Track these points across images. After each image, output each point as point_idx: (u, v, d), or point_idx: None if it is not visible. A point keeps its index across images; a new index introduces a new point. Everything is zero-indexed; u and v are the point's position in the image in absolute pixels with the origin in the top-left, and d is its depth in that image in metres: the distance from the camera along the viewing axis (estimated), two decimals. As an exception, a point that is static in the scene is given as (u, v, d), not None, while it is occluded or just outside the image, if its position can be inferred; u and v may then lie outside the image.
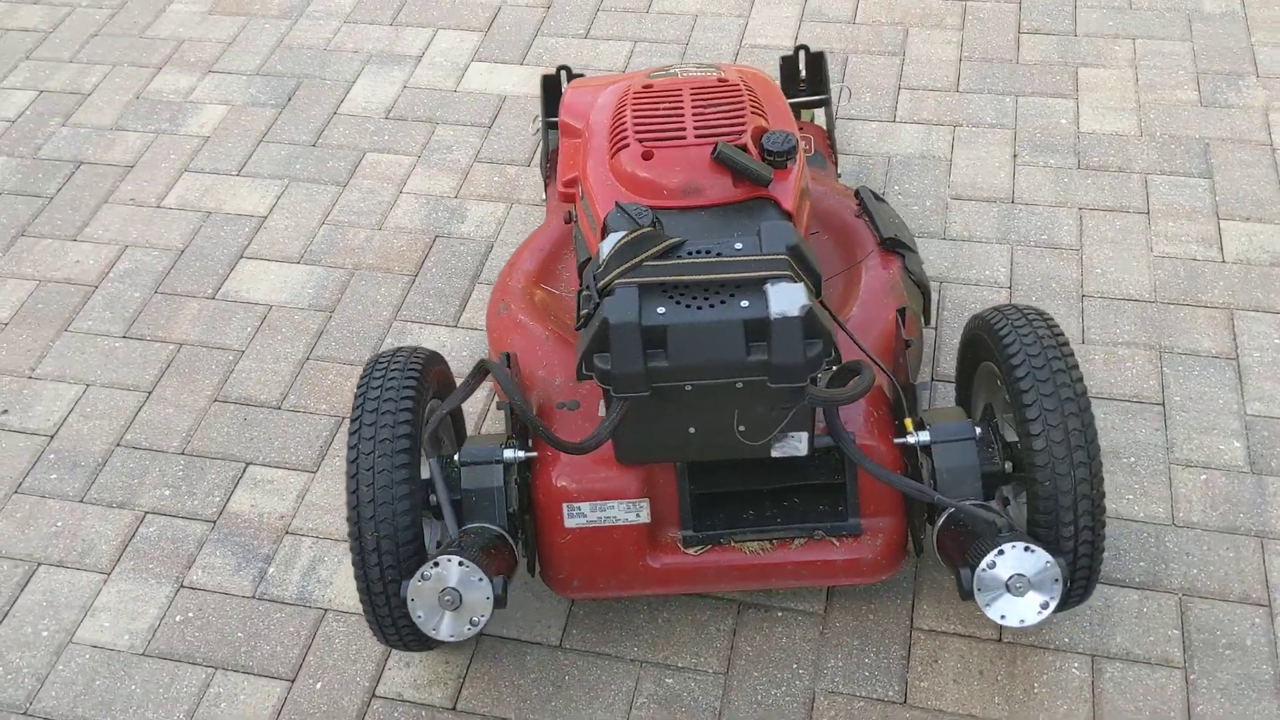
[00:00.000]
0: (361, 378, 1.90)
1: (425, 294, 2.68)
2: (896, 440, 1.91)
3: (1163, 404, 2.33)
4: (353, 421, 1.83)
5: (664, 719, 1.95)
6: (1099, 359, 2.42)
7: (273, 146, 3.11)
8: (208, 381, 2.55)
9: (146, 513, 2.32)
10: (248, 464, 2.38)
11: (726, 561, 1.95)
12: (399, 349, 1.97)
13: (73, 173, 3.08)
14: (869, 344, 2.03)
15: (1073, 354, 1.82)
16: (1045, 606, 1.64)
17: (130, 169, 3.08)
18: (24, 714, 2.03)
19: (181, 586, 2.19)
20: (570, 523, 1.92)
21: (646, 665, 2.03)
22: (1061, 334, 1.85)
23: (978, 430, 1.87)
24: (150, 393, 2.53)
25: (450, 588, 1.64)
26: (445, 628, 1.68)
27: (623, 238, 1.78)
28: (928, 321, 2.28)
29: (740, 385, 1.72)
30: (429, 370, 1.94)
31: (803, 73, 2.74)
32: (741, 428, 1.79)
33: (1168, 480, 2.21)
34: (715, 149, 1.92)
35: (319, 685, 2.03)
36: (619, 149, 1.98)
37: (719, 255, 1.76)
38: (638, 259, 1.74)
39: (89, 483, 2.37)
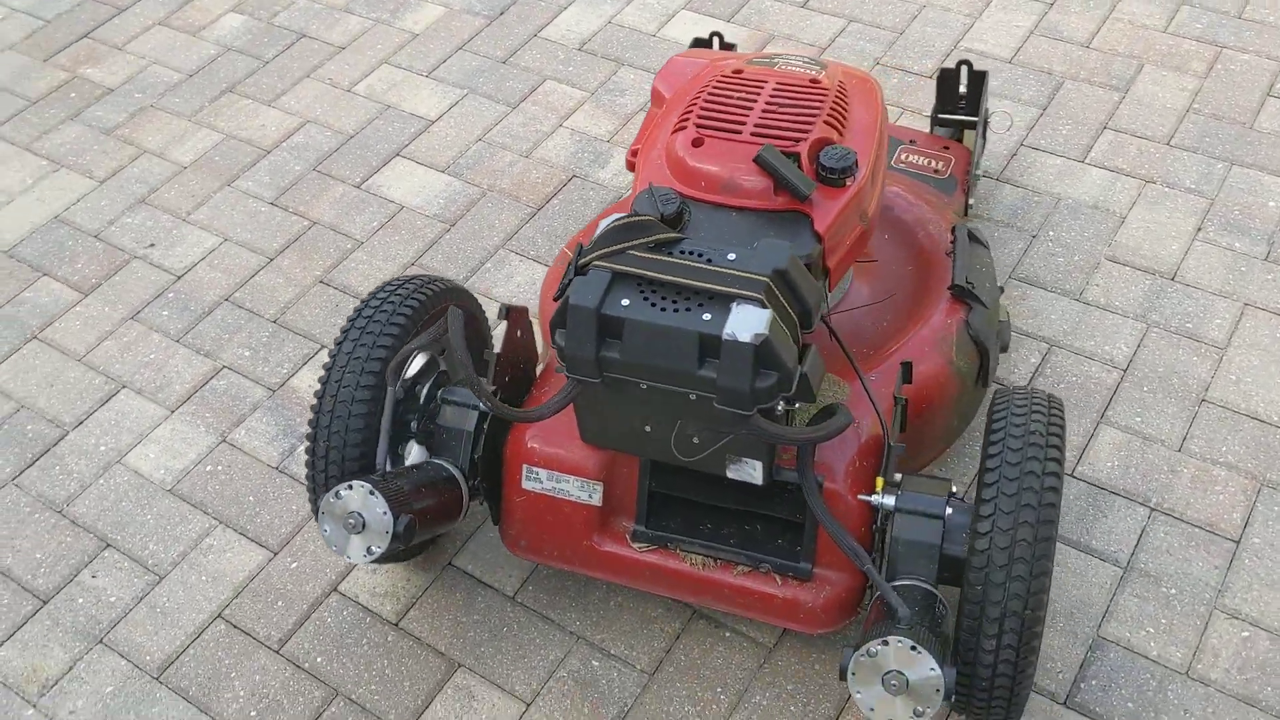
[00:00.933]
0: (369, 294, 1.97)
1: (539, 230, 2.73)
2: (861, 497, 1.80)
3: (1237, 541, 2.07)
4: (341, 333, 1.91)
5: (574, 697, 1.96)
6: (1187, 473, 2.16)
7: (467, 56, 3.22)
8: (321, 263, 2.71)
9: (224, 367, 2.52)
10: (322, 346, 2.54)
11: (667, 566, 1.91)
12: (417, 276, 2.02)
13: (292, 43, 3.32)
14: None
15: (1058, 461, 1.64)
16: (918, 715, 1.52)
17: (341, 50, 3.28)
18: (59, 513, 2.29)
19: (223, 440, 2.38)
20: (526, 485, 1.93)
21: (582, 642, 2.03)
22: (1059, 436, 1.67)
23: (949, 510, 1.74)
24: (271, 260, 2.73)
25: (354, 512, 1.70)
26: (351, 550, 1.74)
27: (621, 219, 1.75)
28: (984, 383, 2.11)
29: (693, 397, 1.67)
30: (435, 302, 1.98)
31: (962, 90, 2.55)
32: (694, 439, 1.75)
33: (1203, 625, 1.97)
34: (759, 152, 1.84)
35: (294, 565, 2.17)
36: (679, 129, 1.93)
37: (708, 261, 1.70)
38: (624, 245, 1.71)
39: (189, 327, 2.60)
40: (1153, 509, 2.11)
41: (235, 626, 2.08)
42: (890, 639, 1.51)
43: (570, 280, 1.71)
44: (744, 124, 1.91)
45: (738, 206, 1.85)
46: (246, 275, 2.70)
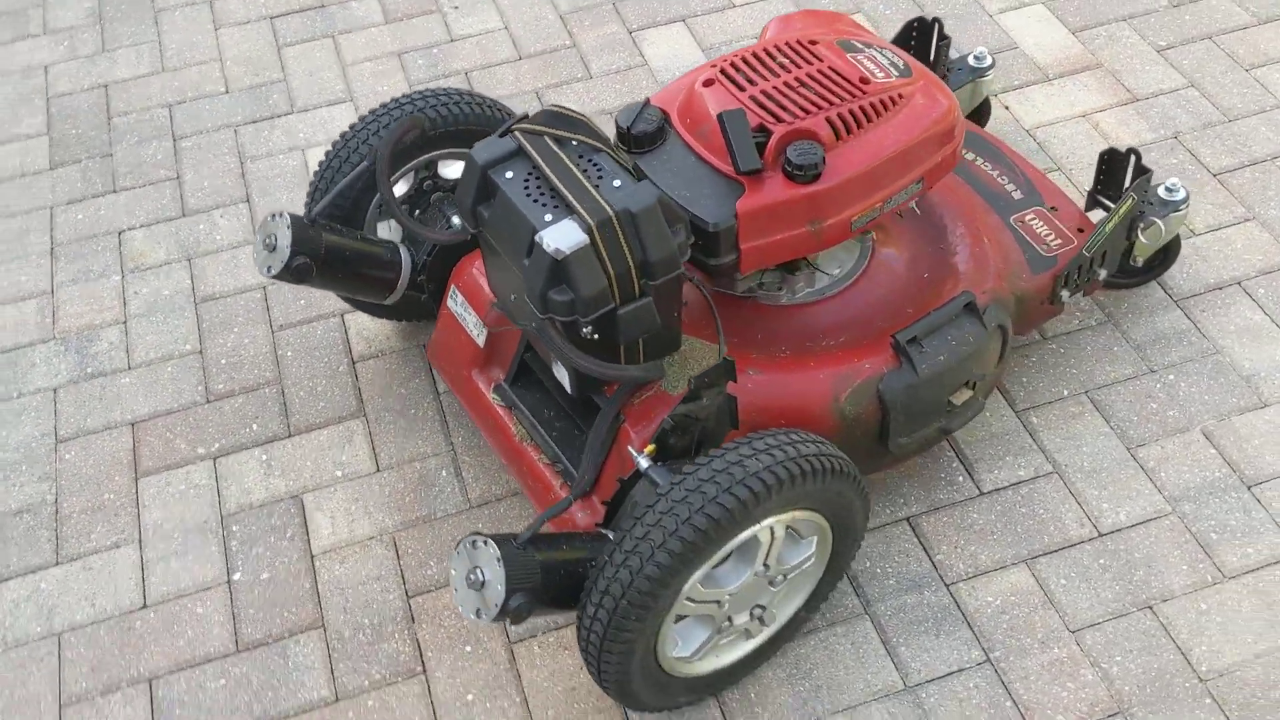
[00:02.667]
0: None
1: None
2: (631, 449, 1.85)
3: None
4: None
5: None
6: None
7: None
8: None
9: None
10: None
11: (501, 424, 2.08)
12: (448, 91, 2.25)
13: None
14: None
15: (725, 504, 1.61)
16: (477, 615, 1.63)
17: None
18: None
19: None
20: (449, 303, 2.16)
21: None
22: (757, 484, 1.63)
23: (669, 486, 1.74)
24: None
25: (272, 238, 2.04)
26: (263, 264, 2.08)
27: (567, 112, 1.87)
28: (884, 444, 2.00)
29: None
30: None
31: (1128, 179, 2.27)
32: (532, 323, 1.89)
33: None
34: (722, 112, 1.86)
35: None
36: (714, 65, 1.99)
37: (595, 176, 1.79)
38: (547, 129, 1.84)
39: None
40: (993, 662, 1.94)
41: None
42: (490, 543, 1.63)
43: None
44: (755, 86, 1.92)
45: (697, 151, 1.90)
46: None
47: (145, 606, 2.09)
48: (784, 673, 1.96)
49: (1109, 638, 1.97)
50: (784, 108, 1.90)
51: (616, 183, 1.78)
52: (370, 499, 2.21)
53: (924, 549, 2.09)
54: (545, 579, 1.65)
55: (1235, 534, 2.09)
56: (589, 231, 1.71)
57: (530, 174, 1.81)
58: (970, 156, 2.40)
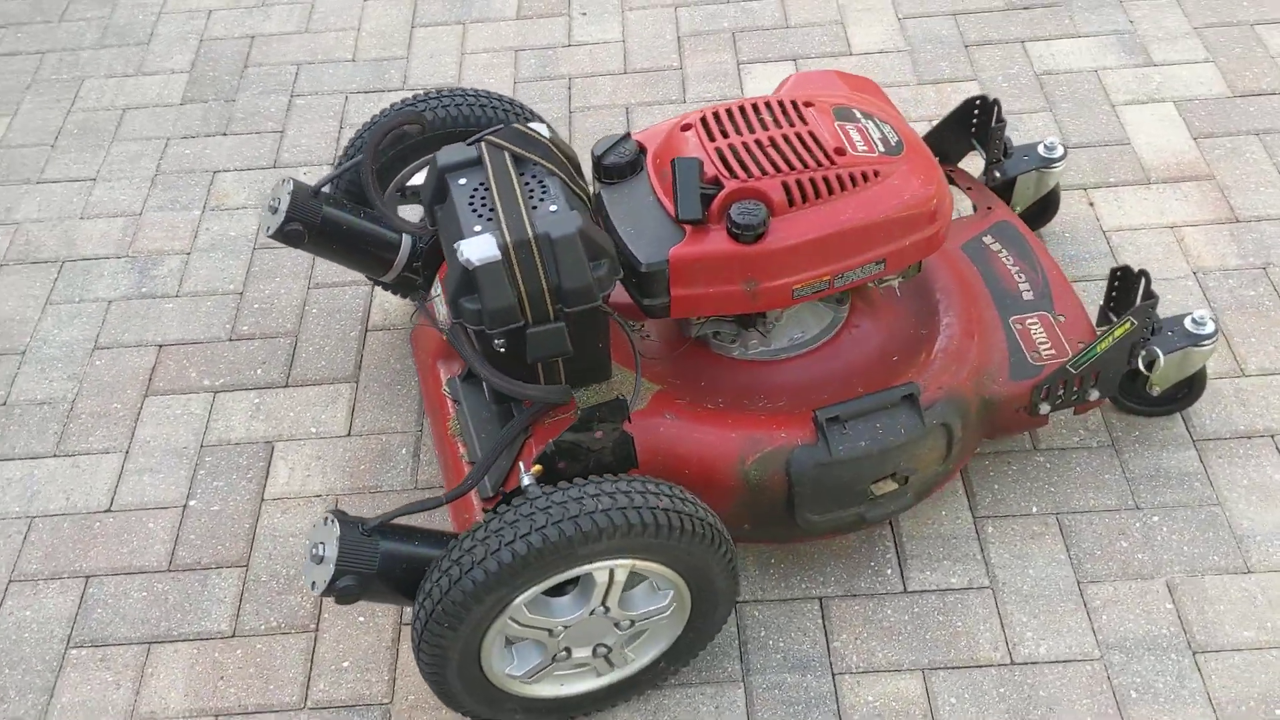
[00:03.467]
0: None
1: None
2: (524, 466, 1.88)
3: None
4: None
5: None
6: None
7: None
8: (641, 95, 3.06)
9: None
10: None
11: (442, 415, 2.15)
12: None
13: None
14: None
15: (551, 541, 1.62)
16: (311, 586, 1.71)
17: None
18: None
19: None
20: (433, 292, 2.25)
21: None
22: (571, 527, 1.64)
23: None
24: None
25: (277, 200, 2.17)
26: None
27: (538, 133, 1.92)
28: (791, 515, 1.94)
29: None
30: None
31: (1139, 297, 2.12)
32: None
33: None
34: (676, 158, 1.87)
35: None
36: (701, 111, 1.99)
37: (533, 199, 1.83)
38: (510, 146, 1.90)
39: (526, 78, 3.14)
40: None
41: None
42: (336, 523, 1.71)
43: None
44: (726, 138, 1.92)
45: (656, 194, 1.92)
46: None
47: (108, 511, 2.29)
48: (639, 717, 1.95)
49: (980, 771, 1.87)
50: (744, 165, 1.89)
51: (553, 208, 1.82)
52: (331, 460, 2.33)
53: (824, 632, 2.04)
54: (383, 567, 1.71)
55: (1158, 698, 1.93)
56: (503, 249, 1.76)
57: (480, 185, 1.87)
58: (996, 247, 2.30)
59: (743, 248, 1.85)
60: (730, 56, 3.16)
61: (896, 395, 1.96)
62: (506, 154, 1.90)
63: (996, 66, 3.07)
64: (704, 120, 1.97)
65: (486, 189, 1.86)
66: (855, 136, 1.96)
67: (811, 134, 1.93)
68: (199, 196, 2.90)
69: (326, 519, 1.73)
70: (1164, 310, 2.46)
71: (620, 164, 1.97)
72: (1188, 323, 2.16)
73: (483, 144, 1.91)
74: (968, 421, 2.04)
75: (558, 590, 1.78)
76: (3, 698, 2.02)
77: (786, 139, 1.93)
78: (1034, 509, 2.18)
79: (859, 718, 1.93)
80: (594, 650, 1.84)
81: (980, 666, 1.98)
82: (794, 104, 1.99)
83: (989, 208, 2.38)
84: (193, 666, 2.05)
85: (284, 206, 2.16)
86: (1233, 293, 2.50)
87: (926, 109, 2.95)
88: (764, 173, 1.88)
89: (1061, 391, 2.10)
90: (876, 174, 1.92)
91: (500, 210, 1.81)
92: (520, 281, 1.77)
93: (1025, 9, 3.23)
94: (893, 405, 1.95)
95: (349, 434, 2.38)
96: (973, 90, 3.01)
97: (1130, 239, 2.63)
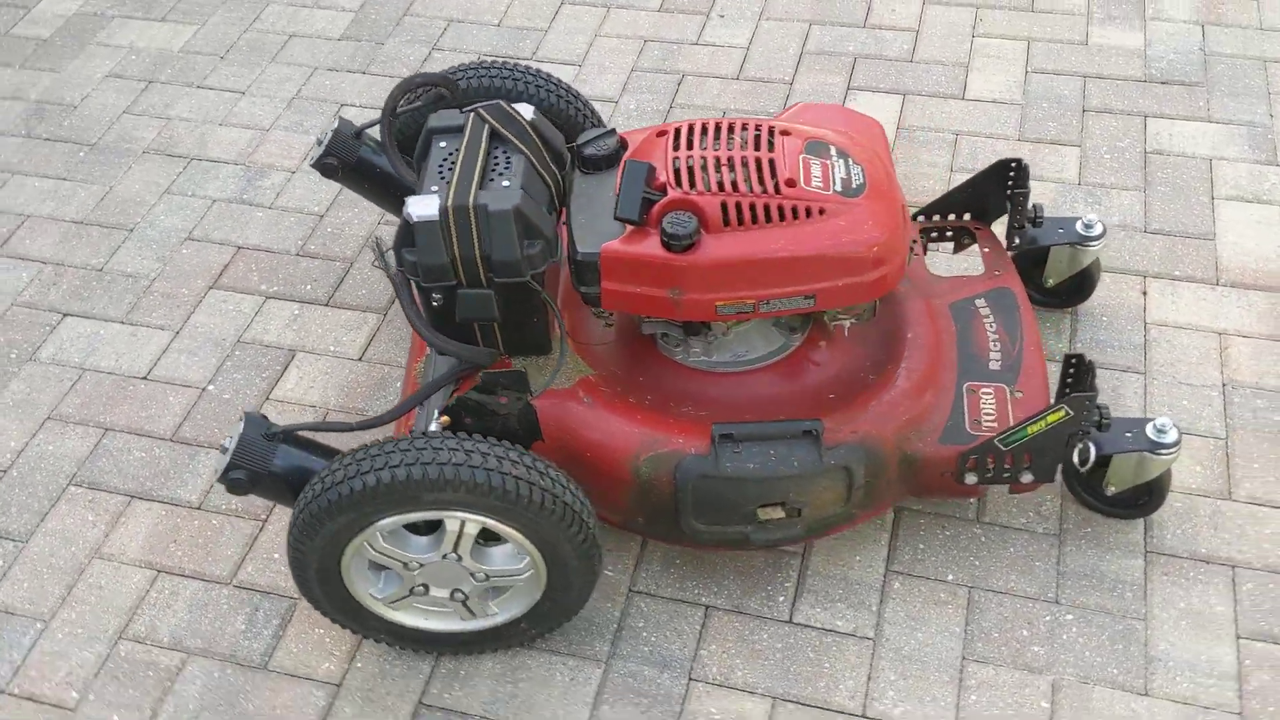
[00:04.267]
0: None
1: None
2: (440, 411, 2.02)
3: None
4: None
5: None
6: None
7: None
8: (740, 103, 3.13)
9: (612, 101, 3.17)
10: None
11: (417, 354, 2.31)
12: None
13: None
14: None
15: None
16: (215, 473, 1.92)
17: None
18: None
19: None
20: None
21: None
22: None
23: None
24: (731, 78, 3.20)
25: (324, 135, 2.39)
26: None
27: (516, 115, 2.06)
28: (678, 525, 2.00)
29: None
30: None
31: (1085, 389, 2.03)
32: None
33: None
34: (630, 159, 1.96)
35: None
36: (687, 122, 2.07)
37: (493, 172, 1.97)
38: (495, 121, 2.04)
39: (642, 68, 3.26)
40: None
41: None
42: (244, 421, 1.91)
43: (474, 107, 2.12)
44: (690, 150, 1.99)
45: (617, 190, 2.02)
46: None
47: (144, 378, 2.60)
48: (499, 668, 2.08)
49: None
50: (693, 178, 1.96)
51: (505, 184, 1.96)
52: (335, 378, 2.56)
53: (697, 638, 2.10)
54: (273, 470, 1.91)
55: (992, 788, 1.90)
56: (442, 211, 1.91)
57: (455, 150, 2.03)
58: (984, 312, 2.26)
59: (670, 256, 1.93)
60: (842, 80, 3.18)
61: (798, 428, 1.99)
62: (488, 128, 2.05)
63: (1106, 136, 2.96)
64: (679, 131, 2.05)
65: (457, 155, 2.02)
66: (815, 172, 1.99)
67: (770, 162, 1.98)
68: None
69: (241, 417, 1.95)
70: (1176, 412, 2.36)
71: (597, 156, 2.08)
72: (1150, 428, 2.08)
73: (472, 115, 2.07)
74: (879, 471, 2.05)
75: (429, 529, 1.93)
76: (4, 511, 2.36)
77: (744, 162, 1.98)
78: (949, 576, 2.16)
79: (695, 725, 2.00)
80: (451, 594, 1.98)
81: (830, 710, 2.00)
82: (770, 130, 2.04)
83: (997, 273, 2.34)
84: (156, 525, 2.32)
85: (326, 141, 2.39)
86: (1256, 414, 2.36)
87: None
88: (708, 189, 1.95)
89: (991, 467, 2.07)
90: (821, 211, 1.95)
91: (456, 175, 1.96)
92: (455, 244, 1.92)
93: (1163, 83, 3.09)
94: (792, 437, 1.99)
95: (359, 359, 2.60)
96: (1071, 156, 2.92)
97: (1169, 336, 2.51)
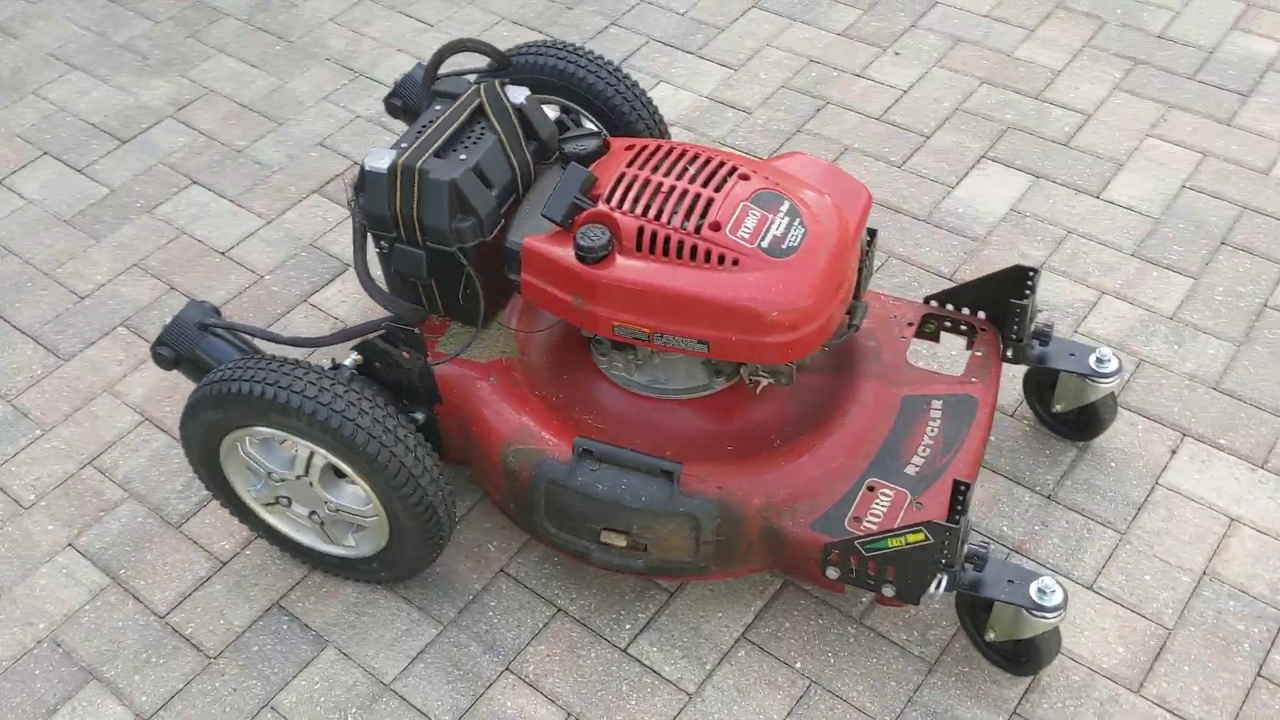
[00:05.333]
0: None
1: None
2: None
3: None
4: None
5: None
6: None
7: (1214, 210, 2.77)
8: (863, 144, 3.03)
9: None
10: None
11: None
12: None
13: None
14: None
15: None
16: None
17: (1212, 120, 3.00)
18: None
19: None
20: None
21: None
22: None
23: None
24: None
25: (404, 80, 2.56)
26: None
27: (506, 99, 2.14)
28: (540, 520, 2.04)
29: None
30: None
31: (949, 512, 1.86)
32: None
33: None
34: (572, 162, 2.00)
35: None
36: (664, 143, 2.08)
37: (463, 147, 2.06)
38: (486, 96, 2.13)
39: (788, 86, 3.22)
40: None
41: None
42: (187, 307, 2.13)
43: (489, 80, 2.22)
44: (643, 170, 2.01)
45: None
46: (852, 107, 3.14)
47: (224, 253, 2.89)
48: (354, 597, 2.21)
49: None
50: (626, 197, 1.97)
51: (462, 157, 2.05)
52: (365, 304, 2.74)
53: (533, 635, 2.14)
54: (196, 355, 2.12)
55: None
56: (391, 168, 2.03)
57: (440, 115, 2.14)
58: (934, 415, 2.13)
59: (577, 265, 1.96)
60: (980, 147, 3.01)
61: (657, 466, 1.98)
62: (476, 103, 2.14)
63: (1230, 276, 2.66)
64: (644, 149, 2.06)
65: (437, 119, 2.12)
66: (749, 222, 1.95)
67: (708, 201, 1.96)
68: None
69: (189, 301, 2.17)
70: (1133, 584, 2.13)
71: (571, 153, 2.13)
72: (1033, 586, 1.91)
73: (474, 88, 2.17)
74: (735, 534, 2.00)
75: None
76: (64, 331, 2.72)
77: (682, 194, 1.97)
78: (797, 664, 2.08)
79: (486, 713, 2.05)
80: (310, 514, 2.12)
81: (614, 745, 2.00)
82: (731, 170, 2.01)
83: (972, 380, 2.19)
84: (161, 382, 2.61)
85: (397, 83, 2.56)
86: (1219, 615, 2.09)
87: (1107, 286, 2.67)
88: (633, 211, 1.96)
89: (853, 567, 1.97)
90: (735, 262, 1.91)
91: (423, 138, 2.07)
92: (397, 200, 2.04)
93: (1334, 234, 2.73)
94: (649, 472, 1.98)
95: (396, 288, 2.78)
96: (1180, 286, 2.64)
97: (1173, 504, 2.26)
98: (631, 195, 1.98)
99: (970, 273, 2.70)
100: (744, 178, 2.02)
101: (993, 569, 1.97)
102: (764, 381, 2.11)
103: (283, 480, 2.08)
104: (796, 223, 1.97)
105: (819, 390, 2.19)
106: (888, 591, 1.98)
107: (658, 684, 2.07)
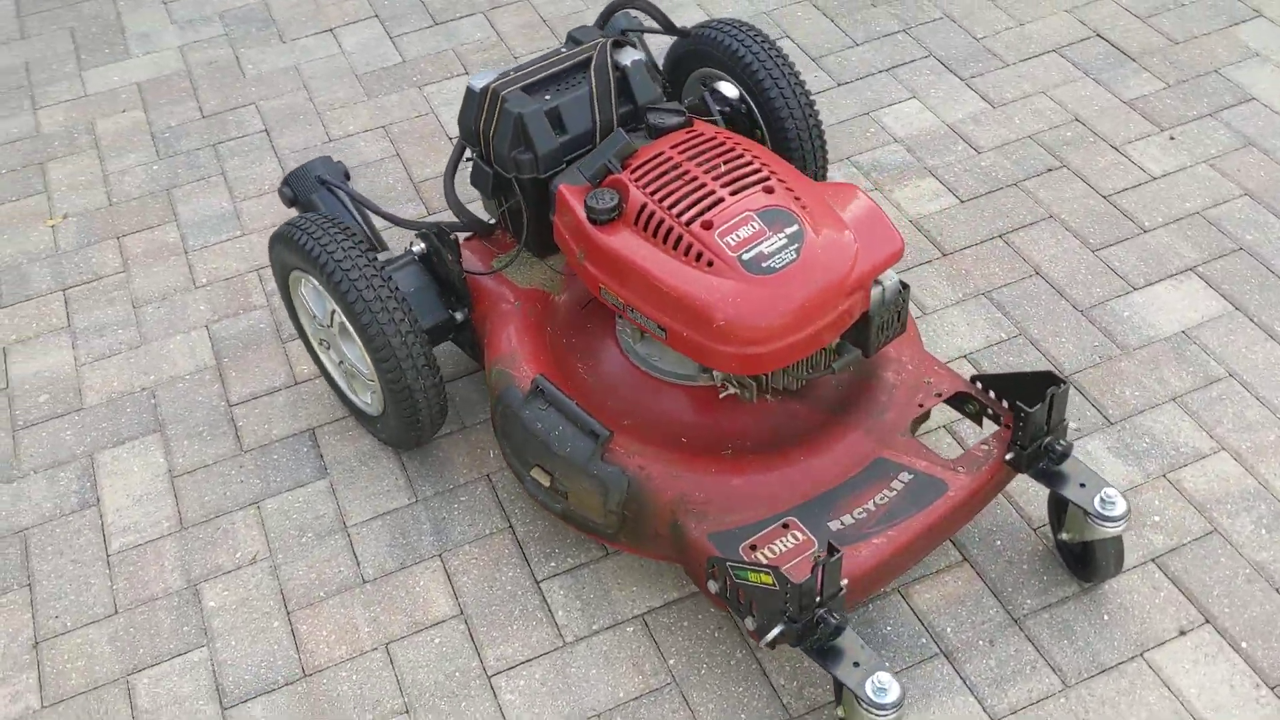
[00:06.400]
0: None
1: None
2: None
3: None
4: None
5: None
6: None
7: None
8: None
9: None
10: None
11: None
12: None
13: None
14: None
15: None
16: (293, 186, 2.52)
17: None
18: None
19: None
20: None
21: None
22: None
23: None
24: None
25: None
26: None
27: (621, 61, 2.27)
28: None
29: None
30: None
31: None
32: None
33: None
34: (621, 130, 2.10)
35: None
36: (714, 130, 2.15)
37: (557, 90, 2.22)
38: (593, 53, 2.26)
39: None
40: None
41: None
42: (318, 159, 2.47)
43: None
44: (683, 153, 2.10)
45: None
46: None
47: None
48: (366, 447, 2.49)
49: None
50: (649, 174, 2.06)
51: (547, 97, 2.22)
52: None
53: (476, 537, 2.32)
54: (310, 198, 2.50)
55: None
56: (483, 90, 2.23)
57: (559, 56, 2.30)
58: (894, 486, 2.04)
59: (586, 221, 2.08)
60: (1193, 258, 2.71)
61: (589, 425, 2.07)
62: (588, 55, 2.28)
63: (1387, 484, 2.25)
64: (699, 136, 2.12)
65: (553, 61, 2.29)
66: (744, 233, 1.97)
67: (716, 200, 2.01)
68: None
69: (322, 156, 2.52)
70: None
71: (652, 123, 2.22)
72: (1098, 495, 2.00)
73: (598, 41, 2.31)
74: (641, 516, 2.07)
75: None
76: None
77: (700, 187, 2.03)
78: (671, 660, 2.12)
79: (399, 583, 2.26)
80: (339, 362, 2.43)
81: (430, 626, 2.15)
82: (761, 180, 2.04)
83: (959, 469, 2.07)
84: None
85: (599, 17, 2.74)
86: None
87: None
88: (646, 187, 2.04)
89: (727, 588, 1.97)
90: (709, 264, 1.96)
91: (525, 72, 2.25)
92: (480, 119, 2.25)
93: None
94: (581, 428, 2.07)
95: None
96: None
97: (1142, 683, 2.02)
98: (654, 173, 2.07)
99: (1086, 381, 2.49)
100: (768, 190, 2.03)
101: (1070, 468, 2.05)
102: (730, 389, 2.13)
103: (322, 325, 2.39)
104: (793, 248, 1.97)
105: (800, 420, 2.17)
106: (749, 624, 1.96)
107: (544, 622, 2.19)
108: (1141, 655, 2.07)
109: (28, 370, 2.71)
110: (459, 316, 2.36)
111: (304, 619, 2.23)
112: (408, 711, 2.08)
